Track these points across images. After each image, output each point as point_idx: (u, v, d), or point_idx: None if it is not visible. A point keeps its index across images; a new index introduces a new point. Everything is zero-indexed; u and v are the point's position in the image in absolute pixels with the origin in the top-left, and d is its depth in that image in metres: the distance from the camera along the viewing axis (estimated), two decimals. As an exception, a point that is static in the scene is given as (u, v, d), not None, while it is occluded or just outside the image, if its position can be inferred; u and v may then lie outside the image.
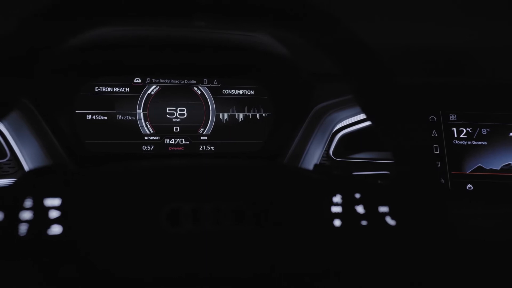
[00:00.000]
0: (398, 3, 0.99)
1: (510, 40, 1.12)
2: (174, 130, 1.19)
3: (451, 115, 1.19)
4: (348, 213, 0.57)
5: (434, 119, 1.17)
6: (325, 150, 1.14)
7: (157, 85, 1.19)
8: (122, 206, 0.53)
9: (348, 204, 0.58)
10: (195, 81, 1.21)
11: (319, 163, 1.12)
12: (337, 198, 0.58)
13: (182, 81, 1.20)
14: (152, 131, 1.18)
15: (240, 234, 0.53)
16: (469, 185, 1.13)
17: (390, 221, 0.57)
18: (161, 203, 0.53)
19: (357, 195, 0.58)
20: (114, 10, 0.54)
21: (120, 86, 1.18)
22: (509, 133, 1.18)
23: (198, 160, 0.60)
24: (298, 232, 0.55)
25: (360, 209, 0.58)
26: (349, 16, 0.93)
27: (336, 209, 0.57)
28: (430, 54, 1.20)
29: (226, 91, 1.22)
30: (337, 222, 0.57)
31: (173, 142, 1.19)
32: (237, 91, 1.23)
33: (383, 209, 0.58)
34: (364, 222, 0.57)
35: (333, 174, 0.62)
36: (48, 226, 0.52)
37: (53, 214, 0.52)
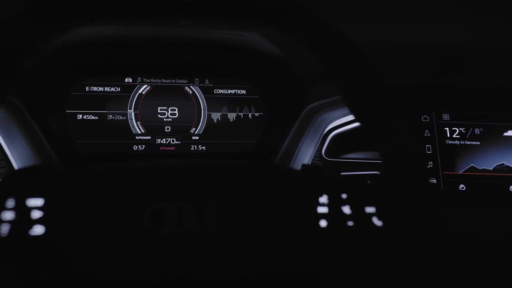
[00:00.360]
0: (391, 2, 0.98)
1: (505, 40, 1.12)
2: (166, 130, 1.19)
3: (444, 115, 1.18)
4: (334, 214, 0.57)
5: (426, 119, 1.17)
6: (317, 150, 1.14)
7: (148, 85, 1.19)
8: (106, 207, 0.53)
9: (334, 204, 0.57)
10: (186, 81, 1.20)
11: (310, 163, 1.11)
12: (323, 199, 0.57)
13: (173, 81, 1.20)
14: (143, 131, 1.18)
15: (224, 235, 0.53)
16: (461, 185, 1.12)
17: (377, 221, 0.57)
18: (144, 204, 0.53)
19: (344, 196, 0.58)
20: (99, 10, 0.53)
21: (111, 86, 1.17)
22: (502, 133, 1.18)
23: (182, 160, 0.60)
24: (283, 233, 0.54)
25: (346, 209, 0.57)
26: (342, 15, 0.93)
27: (322, 210, 0.57)
28: (423, 53, 1.20)
29: (218, 91, 1.22)
30: (323, 223, 0.56)
31: (164, 142, 1.19)
32: (229, 91, 1.22)
33: (370, 209, 0.57)
34: (350, 223, 0.57)
35: (320, 174, 0.62)
36: (30, 227, 0.51)
37: (36, 214, 0.52)
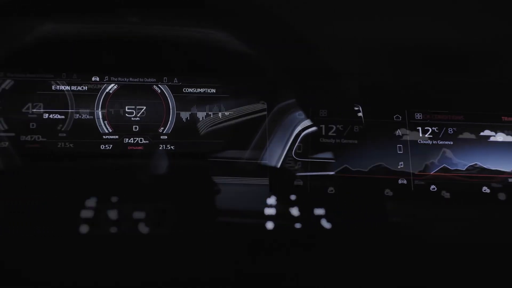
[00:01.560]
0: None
1: (482, 38, 1.10)
2: (133, 129, 1.16)
3: (416, 114, 1.17)
4: (281, 216, 0.55)
5: (399, 118, 1.15)
6: (288, 150, 1.12)
7: (116, 84, 1.16)
8: (42, 206, 0.51)
9: (282, 206, 0.56)
10: (154, 80, 1.18)
11: (280, 163, 1.09)
12: (271, 200, 0.56)
13: (141, 80, 1.18)
14: (110, 130, 1.15)
15: (162, 238, 0.51)
16: (432, 186, 1.11)
17: (325, 224, 0.55)
18: (79, 204, 0.51)
19: (293, 197, 0.56)
20: (48, 8, 0.52)
21: (77, 85, 1.15)
22: (479, 133, 1.17)
23: (126, 160, 0.58)
24: (224, 236, 0.53)
25: (294, 211, 0.56)
26: (316, 12, 0.91)
27: (269, 211, 0.55)
28: (397, 52, 1.19)
29: (187, 90, 1.20)
30: (269, 225, 0.54)
31: (132, 142, 1.16)
32: (198, 90, 1.20)
33: (319, 211, 0.56)
34: (298, 225, 0.55)
35: (270, 175, 0.60)
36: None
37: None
